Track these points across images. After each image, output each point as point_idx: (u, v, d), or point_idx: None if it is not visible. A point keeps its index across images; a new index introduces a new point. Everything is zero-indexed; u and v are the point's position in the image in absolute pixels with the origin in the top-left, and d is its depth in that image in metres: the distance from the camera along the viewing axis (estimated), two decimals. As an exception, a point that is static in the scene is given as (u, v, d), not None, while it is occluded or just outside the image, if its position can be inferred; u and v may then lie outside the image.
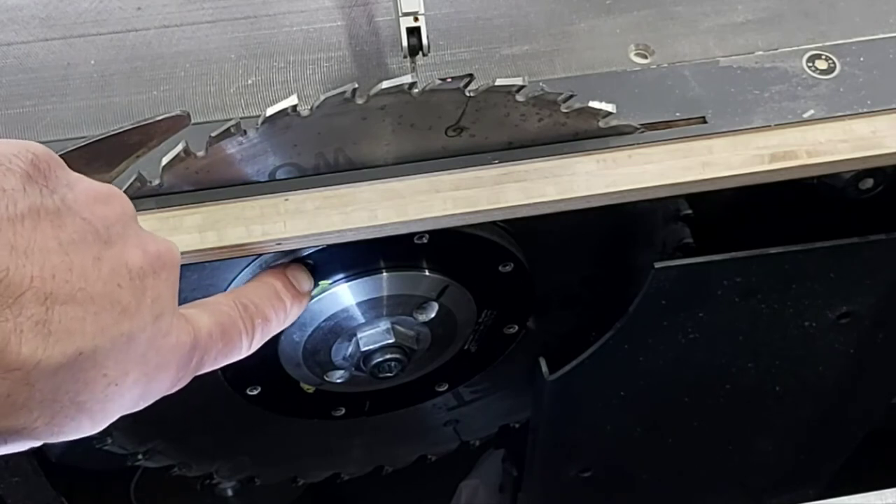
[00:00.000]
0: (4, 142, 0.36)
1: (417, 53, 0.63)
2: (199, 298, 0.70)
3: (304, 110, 0.57)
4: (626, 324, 0.76)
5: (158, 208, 0.59)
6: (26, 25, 0.67)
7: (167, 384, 0.41)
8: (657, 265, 0.71)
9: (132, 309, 0.37)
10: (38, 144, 0.37)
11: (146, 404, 0.41)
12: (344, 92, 0.56)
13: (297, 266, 0.60)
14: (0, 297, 0.32)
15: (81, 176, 0.38)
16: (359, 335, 0.73)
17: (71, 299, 0.34)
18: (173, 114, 0.59)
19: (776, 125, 0.65)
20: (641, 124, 0.64)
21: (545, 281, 0.78)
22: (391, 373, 0.75)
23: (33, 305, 0.33)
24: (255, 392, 0.79)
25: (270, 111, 0.56)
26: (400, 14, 0.62)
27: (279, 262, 0.63)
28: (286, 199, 0.60)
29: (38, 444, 0.37)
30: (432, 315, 0.75)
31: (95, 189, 0.38)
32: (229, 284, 0.70)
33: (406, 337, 0.75)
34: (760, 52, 0.69)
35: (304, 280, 0.59)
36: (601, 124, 0.63)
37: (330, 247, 0.66)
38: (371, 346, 0.73)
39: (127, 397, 0.38)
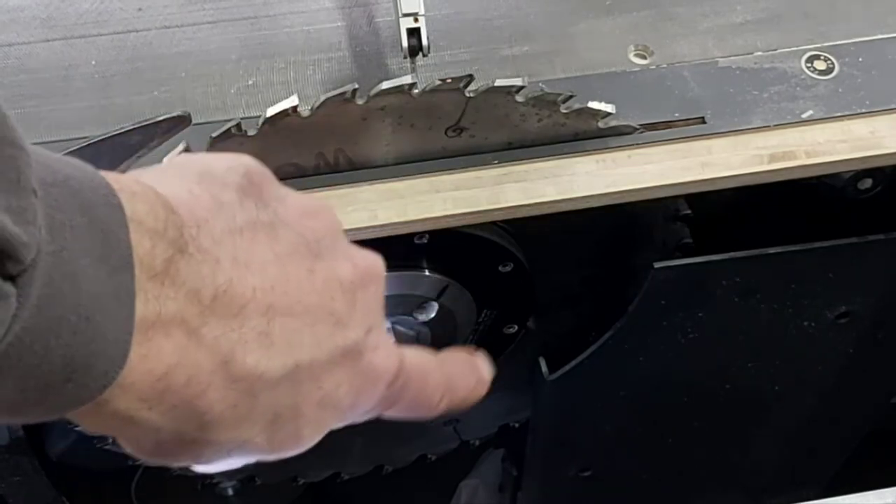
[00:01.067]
0: (217, 155, 0.36)
1: (417, 54, 0.63)
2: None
3: (304, 110, 0.57)
4: (625, 324, 0.77)
5: (159, 208, 0.59)
6: (27, 26, 0.67)
7: (373, 401, 0.41)
8: (657, 265, 0.72)
9: (345, 321, 0.37)
10: (249, 157, 0.37)
11: (353, 420, 0.41)
12: (344, 92, 0.56)
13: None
14: (225, 308, 0.32)
15: (290, 189, 0.38)
16: (359, 335, 0.73)
17: (289, 311, 0.34)
18: (174, 114, 0.59)
19: (775, 125, 0.65)
20: (641, 124, 0.64)
21: (545, 281, 0.78)
22: (391, 372, 0.75)
23: (256, 317, 0.33)
24: (255, 392, 0.79)
25: (271, 111, 0.56)
26: (400, 15, 0.62)
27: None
28: (286, 200, 0.60)
29: (252, 459, 0.37)
30: (432, 315, 0.75)
31: (305, 203, 0.38)
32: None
33: (406, 337, 0.75)
34: (759, 53, 0.69)
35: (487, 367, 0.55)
36: (601, 124, 0.63)
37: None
38: (371, 346, 0.73)
39: (339, 409, 0.39)
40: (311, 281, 0.35)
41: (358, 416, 0.41)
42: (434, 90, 0.58)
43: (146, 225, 0.30)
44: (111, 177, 0.30)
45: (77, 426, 0.79)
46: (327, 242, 0.37)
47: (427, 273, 0.72)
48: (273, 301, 0.33)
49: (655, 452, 0.97)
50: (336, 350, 0.36)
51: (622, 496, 1.04)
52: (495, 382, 0.92)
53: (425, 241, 0.68)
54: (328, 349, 0.36)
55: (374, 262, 0.41)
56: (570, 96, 0.61)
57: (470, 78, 0.58)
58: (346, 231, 0.59)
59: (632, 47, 0.69)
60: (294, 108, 0.56)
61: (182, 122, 0.58)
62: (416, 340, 0.76)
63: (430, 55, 0.63)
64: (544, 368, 0.81)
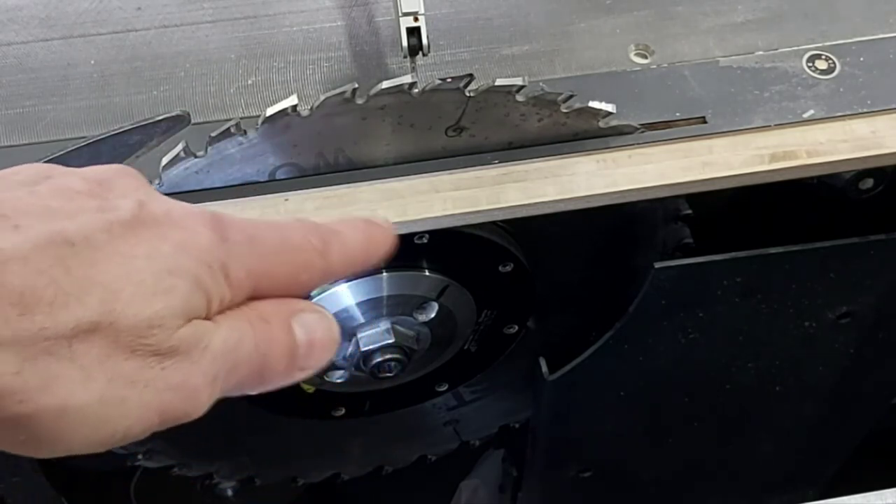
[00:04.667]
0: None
1: (417, 53, 0.63)
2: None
3: (304, 110, 0.57)
4: (626, 324, 0.76)
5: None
6: (26, 25, 0.67)
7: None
8: (657, 265, 0.71)
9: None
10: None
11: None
12: (344, 92, 0.56)
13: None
14: None
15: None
16: (359, 335, 0.73)
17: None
18: (173, 114, 0.59)
19: (776, 125, 0.65)
20: (641, 124, 0.64)
21: (545, 281, 0.78)
22: (391, 373, 0.75)
23: None
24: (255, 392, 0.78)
25: (270, 111, 0.56)
26: (400, 14, 0.62)
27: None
28: (286, 199, 0.60)
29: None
30: (432, 315, 0.75)
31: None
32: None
33: (406, 337, 0.74)
34: (760, 53, 0.69)
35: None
36: (601, 124, 0.63)
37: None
38: (371, 347, 0.73)
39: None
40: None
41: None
42: (434, 90, 0.58)
43: None
44: None
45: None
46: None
47: (427, 273, 0.72)
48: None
49: (655, 452, 0.97)
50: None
51: (622, 496, 1.04)
52: (495, 382, 0.93)
53: (425, 241, 0.68)
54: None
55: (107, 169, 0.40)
56: (571, 96, 0.61)
57: (470, 77, 0.58)
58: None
59: (632, 47, 0.69)
60: (294, 108, 0.56)
61: (181, 121, 0.58)
62: (416, 340, 0.76)
63: (430, 55, 0.63)
64: (544, 368, 0.81)
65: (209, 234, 0.38)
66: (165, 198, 0.39)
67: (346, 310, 0.72)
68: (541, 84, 0.60)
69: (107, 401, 0.35)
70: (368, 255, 0.44)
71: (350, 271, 0.44)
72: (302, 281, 0.41)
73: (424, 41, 0.62)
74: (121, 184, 0.39)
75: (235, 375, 0.39)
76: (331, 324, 0.43)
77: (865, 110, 0.66)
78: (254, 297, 0.40)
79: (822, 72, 0.68)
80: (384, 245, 0.44)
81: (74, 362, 0.34)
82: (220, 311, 0.38)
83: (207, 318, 0.38)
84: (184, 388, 0.37)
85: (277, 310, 0.41)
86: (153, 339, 0.35)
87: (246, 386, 0.41)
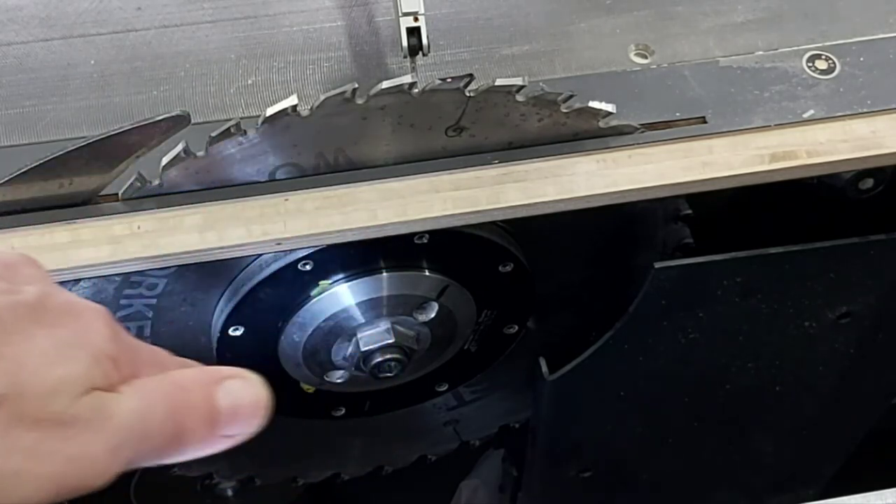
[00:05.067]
0: None
1: (417, 53, 0.63)
2: (198, 298, 0.71)
3: (304, 110, 0.57)
4: (626, 324, 0.76)
5: (158, 208, 0.59)
6: (26, 25, 0.67)
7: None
8: (657, 265, 0.71)
9: None
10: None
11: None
12: (344, 92, 0.56)
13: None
14: None
15: None
16: (359, 335, 0.73)
17: None
18: (173, 114, 0.59)
19: (776, 125, 0.65)
20: (641, 124, 0.64)
21: (545, 281, 0.78)
22: (391, 373, 0.75)
23: None
24: (255, 392, 0.78)
25: (270, 111, 0.56)
26: (400, 14, 0.62)
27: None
28: (286, 199, 0.60)
29: None
30: (432, 315, 0.75)
31: None
32: (229, 284, 0.70)
33: (406, 337, 0.74)
34: (760, 52, 0.69)
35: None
36: (601, 124, 0.63)
37: (330, 247, 0.65)
38: (371, 347, 0.73)
39: None
40: None
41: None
42: (434, 90, 0.58)
43: None
44: None
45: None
46: None
47: (427, 273, 0.72)
48: None
49: (655, 452, 0.97)
50: None
51: (622, 496, 1.04)
52: (495, 382, 0.93)
53: (425, 241, 0.68)
54: None
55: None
56: (571, 96, 0.61)
57: (470, 77, 0.58)
58: (346, 231, 0.60)
59: (632, 47, 0.69)
60: (294, 108, 0.56)
61: (181, 121, 0.58)
62: (416, 340, 0.76)
63: (430, 54, 0.63)
64: (544, 368, 0.81)
65: (106, 329, 0.40)
66: (66, 291, 0.42)
67: (346, 310, 0.72)
68: (541, 84, 0.60)
69: (2, 473, 0.35)
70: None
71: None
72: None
73: (424, 41, 0.62)
74: (27, 272, 0.41)
75: (147, 444, 0.40)
76: (258, 390, 0.44)
77: (865, 110, 0.66)
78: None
79: (822, 72, 0.68)
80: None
81: None
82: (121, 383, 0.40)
83: (110, 390, 0.39)
84: (83, 459, 0.37)
85: (200, 377, 0.43)
86: (57, 407, 0.36)
87: (163, 454, 0.41)
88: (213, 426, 0.42)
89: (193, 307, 0.71)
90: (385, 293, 0.72)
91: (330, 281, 0.70)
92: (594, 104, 0.61)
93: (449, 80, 0.58)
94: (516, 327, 0.81)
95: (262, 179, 0.61)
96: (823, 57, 0.69)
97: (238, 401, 0.43)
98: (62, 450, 0.36)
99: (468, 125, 0.61)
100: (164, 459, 0.41)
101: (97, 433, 0.37)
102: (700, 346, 0.80)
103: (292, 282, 0.69)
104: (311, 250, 0.66)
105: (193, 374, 0.43)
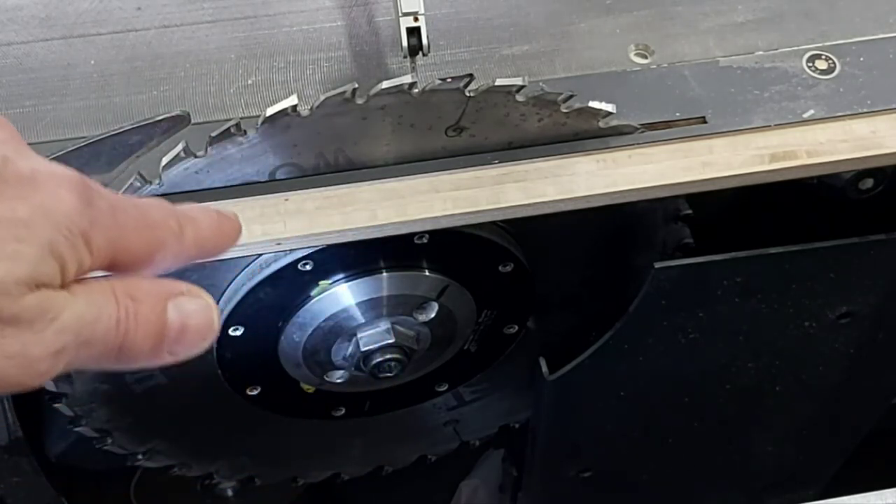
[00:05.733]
0: None
1: (417, 53, 0.63)
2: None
3: (304, 110, 0.57)
4: (626, 324, 0.76)
5: (158, 208, 0.59)
6: (26, 25, 0.67)
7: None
8: (657, 265, 0.71)
9: None
10: None
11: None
12: (344, 92, 0.56)
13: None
14: None
15: None
16: (359, 335, 0.73)
17: None
18: (173, 114, 0.59)
19: (776, 125, 0.65)
20: (641, 124, 0.64)
21: (545, 281, 0.78)
22: (391, 373, 0.75)
23: None
24: (255, 392, 0.79)
25: (270, 111, 0.56)
26: (400, 14, 0.62)
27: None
28: (286, 199, 0.60)
29: None
30: (432, 315, 0.75)
31: None
32: (229, 284, 0.70)
33: (406, 337, 0.74)
34: (760, 52, 0.69)
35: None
36: (601, 124, 0.63)
37: (330, 246, 0.65)
38: (371, 347, 0.73)
39: None
40: None
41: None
42: (434, 90, 0.58)
43: None
44: None
45: (77, 427, 0.78)
46: None
47: (427, 273, 0.72)
48: None
49: (655, 452, 0.97)
50: None
51: (622, 496, 1.04)
52: (495, 382, 0.93)
53: (425, 241, 0.68)
54: None
55: None
56: (571, 96, 0.61)
57: (470, 77, 0.58)
58: (347, 231, 0.60)
59: (632, 47, 0.69)
60: (294, 108, 0.56)
61: (181, 121, 0.58)
62: (416, 340, 0.76)
63: (430, 54, 0.63)
64: (544, 368, 0.81)
65: (73, 198, 0.37)
66: (35, 156, 0.38)
67: (346, 310, 0.72)
68: (541, 84, 0.60)
69: None
70: (218, 245, 0.44)
71: (200, 257, 0.43)
72: (156, 259, 0.41)
73: (424, 41, 0.62)
74: None
75: (88, 350, 0.38)
76: (211, 312, 0.42)
77: (865, 110, 0.66)
78: (110, 267, 0.39)
79: (822, 72, 0.68)
80: (233, 237, 0.45)
81: None
82: (79, 279, 0.38)
83: (63, 285, 0.37)
84: (20, 358, 0.36)
85: (153, 289, 0.41)
86: None
87: (104, 362, 0.40)
88: (159, 342, 0.41)
89: (193, 307, 0.71)
90: (385, 293, 0.72)
91: (330, 281, 0.70)
92: (594, 104, 0.61)
93: (449, 80, 0.58)
94: (516, 327, 0.81)
95: (262, 179, 0.61)
96: (823, 57, 0.69)
97: (187, 320, 0.41)
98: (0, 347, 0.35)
99: (468, 125, 0.61)
100: (104, 367, 0.40)
101: (38, 334, 0.36)
102: (700, 346, 0.80)
103: (292, 282, 0.69)
104: (310, 250, 0.66)
105: (148, 285, 0.41)
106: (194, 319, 0.41)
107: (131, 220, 0.40)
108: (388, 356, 0.74)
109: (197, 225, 0.42)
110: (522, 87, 0.59)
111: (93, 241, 0.38)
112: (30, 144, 0.38)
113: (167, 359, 0.41)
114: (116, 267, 0.40)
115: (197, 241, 0.42)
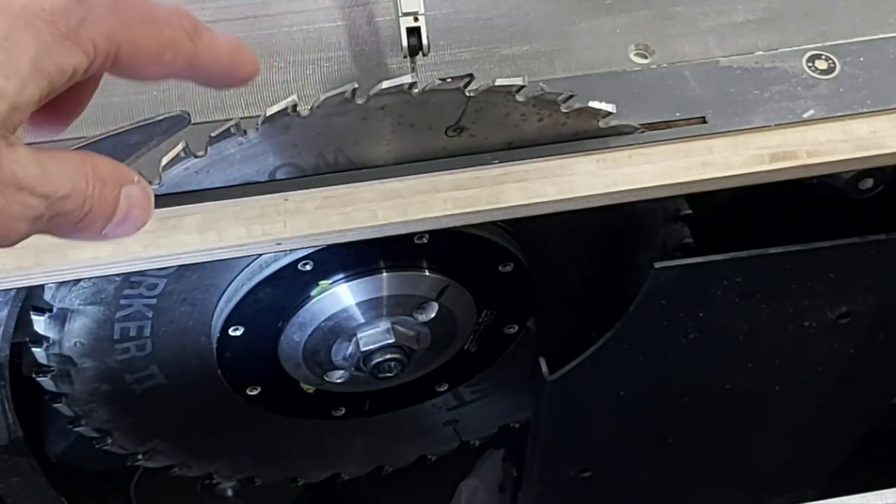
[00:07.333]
0: None
1: (417, 53, 0.63)
2: (198, 298, 0.71)
3: (304, 110, 0.57)
4: (626, 324, 0.76)
5: (158, 208, 0.59)
6: (26, 25, 0.67)
7: None
8: (657, 265, 0.71)
9: None
10: None
11: None
12: (344, 92, 0.56)
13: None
14: None
15: None
16: (359, 335, 0.73)
17: None
18: (173, 114, 0.58)
19: (776, 125, 0.65)
20: (641, 124, 0.64)
21: (545, 281, 0.78)
22: (391, 373, 0.75)
23: None
24: (255, 392, 0.79)
25: (270, 111, 0.56)
26: (400, 14, 0.62)
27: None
28: (286, 199, 0.60)
29: None
30: (432, 315, 0.75)
31: None
32: (229, 284, 0.70)
33: (406, 337, 0.74)
34: (760, 52, 0.69)
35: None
36: (601, 124, 0.63)
37: (330, 247, 0.66)
38: (371, 347, 0.73)
39: None
40: None
41: None
42: (434, 90, 0.58)
43: None
44: None
45: (77, 427, 0.78)
46: None
47: (427, 273, 0.72)
48: None
49: (655, 452, 0.97)
50: None
51: (622, 496, 1.04)
52: (495, 382, 0.93)
53: (425, 241, 0.68)
54: None
55: None
56: (571, 96, 0.61)
57: (470, 77, 0.58)
58: (347, 231, 0.60)
59: (632, 47, 0.69)
60: (293, 108, 0.56)
61: (181, 121, 0.58)
62: (416, 340, 0.76)
63: (429, 54, 0.63)
64: (544, 368, 0.81)
65: None
66: None
67: (346, 310, 0.72)
68: (541, 84, 0.60)
69: None
70: (234, 65, 0.43)
71: (215, 72, 0.43)
72: (166, 59, 0.40)
73: (424, 41, 0.62)
74: None
75: (54, 221, 0.39)
76: (150, 203, 0.43)
77: (865, 110, 0.66)
78: (115, 64, 0.39)
79: (822, 72, 0.68)
80: (250, 68, 0.44)
81: None
82: (55, 150, 0.38)
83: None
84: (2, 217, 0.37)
85: (115, 173, 0.42)
86: None
87: (55, 232, 0.41)
88: (105, 224, 0.42)
89: (193, 307, 0.71)
90: (385, 293, 0.72)
91: (330, 281, 0.70)
92: (594, 104, 0.61)
93: (449, 80, 0.58)
94: (516, 327, 0.81)
95: (262, 179, 0.61)
96: (823, 57, 0.69)
97: (132, 208, 0.42)
98: None
99: (468, 125, 0.61)
100: (50, 234, 0.41)
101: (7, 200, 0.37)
102: (700, 346, 0.80)
103: (292, 282, 0.69)
104: (310, 250, 0.66)
105: (112, 168, 0.42)
106: (136, 209, 0.42)
107: (135, 14, 0.38)
108: (388, 356, 0.74)
109: (214, 36, 0.42)
110: (522, 87, 0.59)
111: (84, 38, 0.36)
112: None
113: (100, 239, 0.42)
114: (121, 64, 0.39)
115: (212, 50, 0.42)
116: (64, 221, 0.40)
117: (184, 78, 0.42)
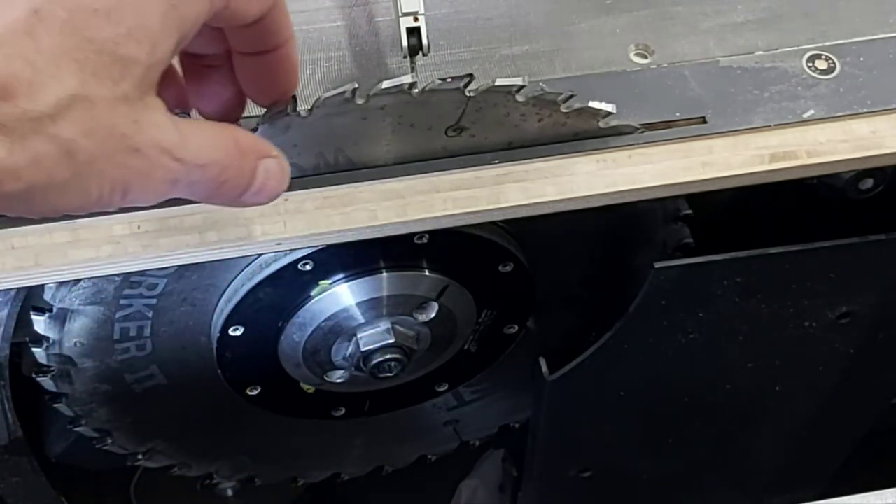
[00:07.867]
0: None
1: (417, 53, 0.63)
2: (198, 298, 0.71)
3: (303, 110, 0.57)
4: (626, 324, 0.76)
5: (158, 208, 0.59)
6: (26, 25, 0.67)
7: None
8: (657, 265, 0.71)
9: None
10: None
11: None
12: (344, 92, 0.56)
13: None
14: None
15: None
16: (359, 335, 0.73)
17: None
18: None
19: (776, 125, 0.65)
20: (641, 124, 0.64)
21: (545, 281, 0.78)
22: (391, 373, 0.75)
23: None
24: (255, 392, 0.79)
25: (270, 111, 0.56)
26: (400, 14, 0.62)
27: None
28: (286, 199, 0.60)
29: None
30: (432, 315, 0.75)
31: None
32: (229, 284, 0.70)
33: (406, 337, 0.75)
34: (760, 52, 0.69)
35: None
36: (601, 124, 0.63)
37: (330, 247, 0.65)
38: (371, 346, 0.73)
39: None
40: None
41: None
42: (434, 90, 0.58)
43: None
44: None
45: (77, 427, 0.78)
46: None
47: (427, 273, 0.72)
48: None
49: (655, 452, 0.97)
50: None
51: (622, 496, 1.04)
52: (495, 382, 0.93)
53: (425, 241, 0.68)
54: None
55: None
56: (571, 96, 0.61)
57: (470, 77, 0.58)
58: (347, 231, 0.60)
59: (632, 46, 0.69)
60: (293, 108, 0.56)
61: (181, 121, 0.58)
62: (416, 340, 0.76)
63: (430, 54, 0.63)
64: (544, 368, 0.81)
65: None
66: None
67: (346, 310, 0.72)
68: (541, 84, 0.60)
69: (83, 175, 0.37)
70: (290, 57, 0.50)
71: (282, 36, 0.48)
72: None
73: (424, 41, 0.62)
74: None
75: (192, 186, 0.42)
76: (285, 176, 0.47)
77: (866, 110, 0.66)
78: (227, 7, 0.42)
79: (822, 72, 0.68)
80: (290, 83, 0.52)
81: (56, 140, 0.36)
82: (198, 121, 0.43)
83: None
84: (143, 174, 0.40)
85: (255, 147, 0.45)
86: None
87: (196, 196, 0.44)
88: (241, 194, 0.45)
89: (193, 307, 0.71)
90: (385, 293, 0.72)
91: (330, 281, 0.70)
92: (594, 104, 0.61)
93: (449, 80, 0.58)
94: (516, 327, 0.81)
95: (262, 179, 0.61)
96: (823, 57, 0.69)
97: (268, 180, 0.45)
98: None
99: (468, 125, 0.61)
100: (194, 199, 0.44)
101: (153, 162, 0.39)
102: (700, 346, 0.80)
103: (292, 282, 0.69)
104: (310, 250, 0.66)
105: (253, 141, 0.45)
106: (272, 182, 0.46)
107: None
108: (388, 356, 0.74)
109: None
110: (522, 87, 0.59)
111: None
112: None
113: (235, 205, 0.46)
114: (229, 11, 0.42)
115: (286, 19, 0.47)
116: (202, 188, 0.43)
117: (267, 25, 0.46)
